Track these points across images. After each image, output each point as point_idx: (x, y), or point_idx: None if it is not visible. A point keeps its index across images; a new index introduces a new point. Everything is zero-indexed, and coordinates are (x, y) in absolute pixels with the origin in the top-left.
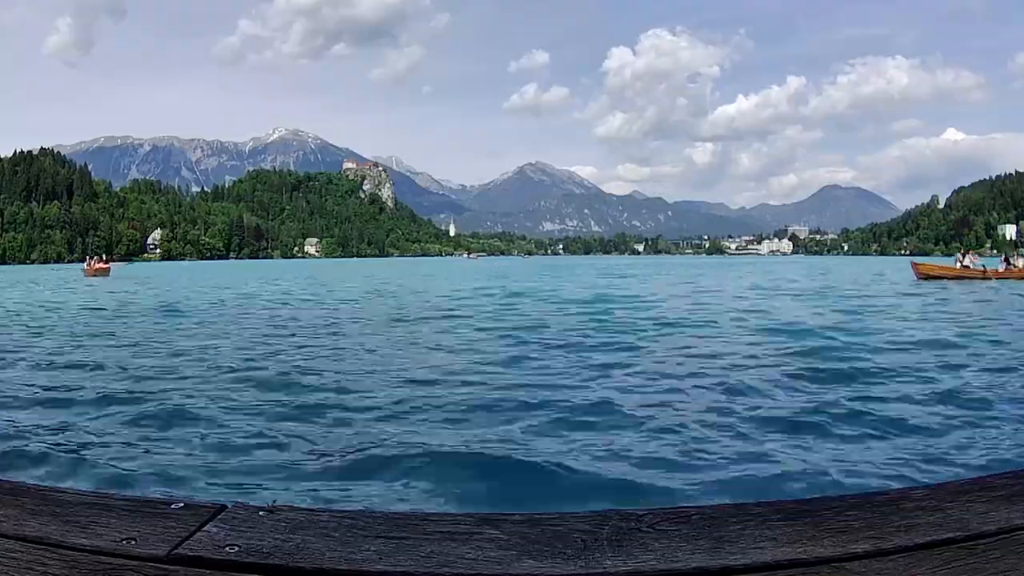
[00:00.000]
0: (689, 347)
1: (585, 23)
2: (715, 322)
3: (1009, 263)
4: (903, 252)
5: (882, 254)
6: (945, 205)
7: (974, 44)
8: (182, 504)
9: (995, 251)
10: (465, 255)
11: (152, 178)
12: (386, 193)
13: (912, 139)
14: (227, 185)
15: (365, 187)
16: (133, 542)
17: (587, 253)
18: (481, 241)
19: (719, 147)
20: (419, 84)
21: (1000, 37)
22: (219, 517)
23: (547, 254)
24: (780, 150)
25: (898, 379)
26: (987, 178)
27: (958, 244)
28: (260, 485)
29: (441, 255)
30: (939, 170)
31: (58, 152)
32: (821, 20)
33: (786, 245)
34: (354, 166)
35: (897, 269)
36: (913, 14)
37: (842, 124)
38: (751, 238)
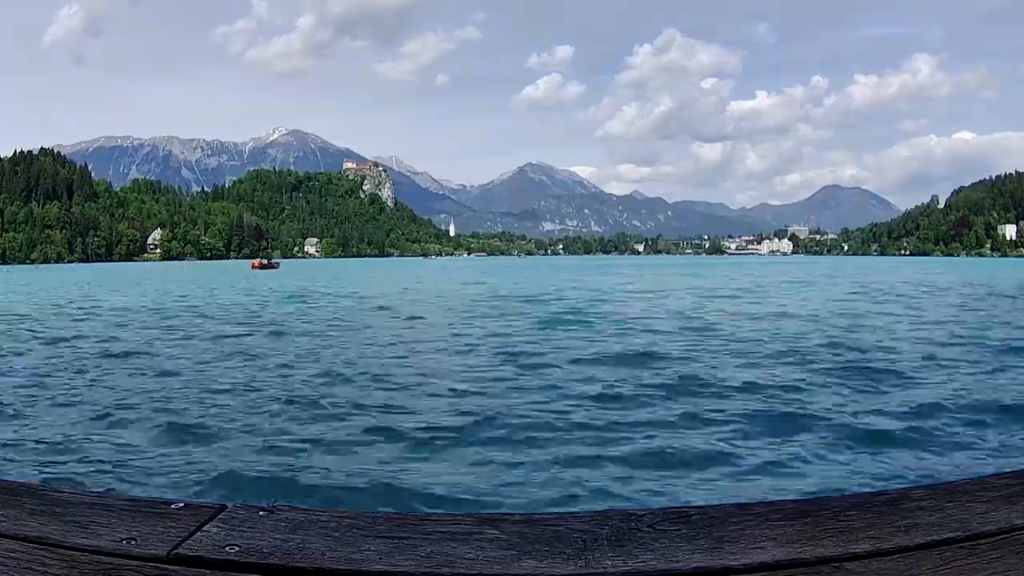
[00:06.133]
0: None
1: (601, 22)
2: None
3: None
4: (903, 252)
5: (882, 254)
6: (945, 205)
7: (986, 44)
8: (182, 504)
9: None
10: (430, 256)
11: (152, 178)
12: (386, 193)
13: (918, 139)
14: (227, 185)
15: (365, 187)
16: (133, 542)
17: (587, 253)
18: (481, 241)
19: (722, 146)
20: (421, 84)
21: (1011, 37)
22: (219, 517)
23: (547, 254)
24: (785, 149)
25: None
26: (987, 178)
27: (958, 244)
28: (260, 485)
29: (440, 255)
30: (944, 170)
31: (58, 152)
32: (840, 18)
33: (786, 245)
34: (354, 166)
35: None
36: (932, 15)
37: (848, 123)
38: (751, 238)
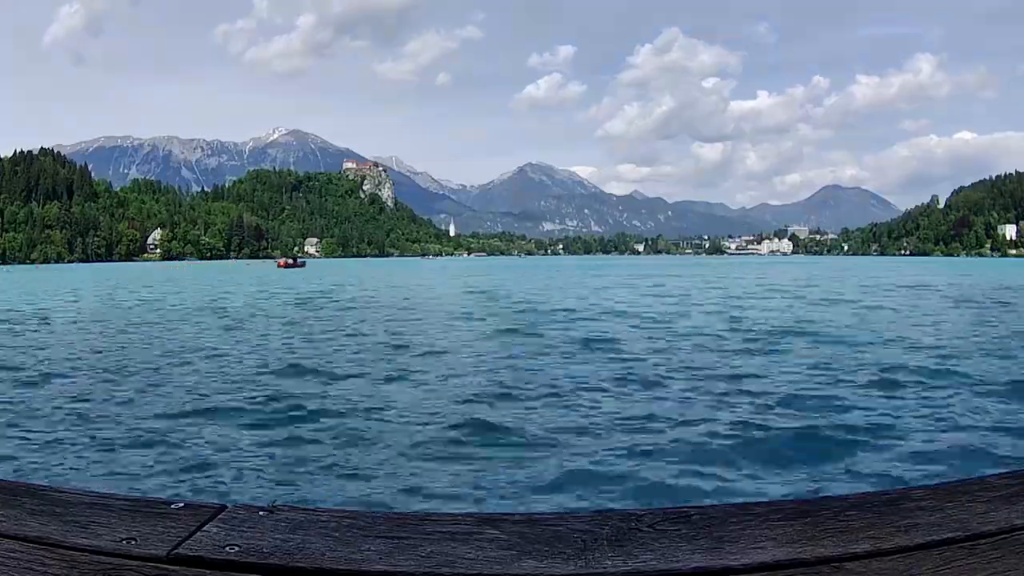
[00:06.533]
0: (673, 348)
1: (603, 22)
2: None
3: None
4: (903, 252)
5: (882, 254)
6: (945, 205)
7: (986, 44)
8: (182, 504)
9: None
10: (427, 256)
11: (152, 178)
12: (386, 193)
13: (918, 139)
14: (227, 185)
15: (365, 187)
16: (133, 542)
17: (587, 253)
18: (481, 241)
19: (722, 146)
20: (421, 84)
21: (1011, 37)
22: (219, 517)
23: (547, 254)
24: (785, 149)
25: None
26: (987, 178)
27: (958, 244)
28: (260, 485)
29: (441, 255)
30: (944, 170)
31: (58, 152)
32: (840, 18)
33: (786, 245)
34: (354, 166)
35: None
36: (931, 15)
37: (848, 123)
38: (751, 238)
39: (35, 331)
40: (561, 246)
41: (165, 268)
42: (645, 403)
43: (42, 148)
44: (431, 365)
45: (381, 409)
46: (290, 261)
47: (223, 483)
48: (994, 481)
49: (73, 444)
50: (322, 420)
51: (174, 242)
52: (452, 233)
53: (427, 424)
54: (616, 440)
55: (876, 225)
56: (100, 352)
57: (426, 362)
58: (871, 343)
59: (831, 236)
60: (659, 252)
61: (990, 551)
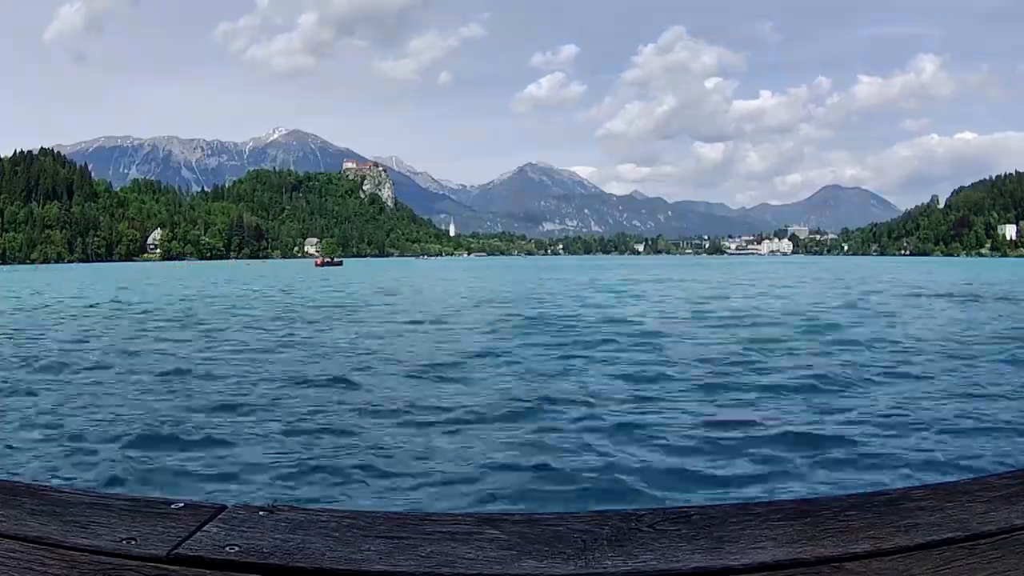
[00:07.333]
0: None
1: (606, 22)
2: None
3: None
4: (903, 252)
5: (882, 254)
6: (945, 205)
7: (987, 44)
8: (182, 504)
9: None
10: (421, 257)
11: (152, 178)
12: (386, 193)
13: (919, 139)
14: (227, 185)
15: (365, 187)
16: (133, 542)
17: (587, 253)
18: (481, 241)
19: (723, 146)
20: (422, 83)
21: (1012, 37)
22: (219, 517)
23: (547, 254)
24: (786, 149)
25: None
26: (987, 178)
27: (958, 244)
28: (260, 485)
29: (441, 255)
30: (944, 170)
31: (58, 152)
32: (840, 18)
33: (786, 245)
34: (354, 166)
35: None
36: (932, 15)
37: (849, 123)
38: (751, 238)
39: (39, 327)
40: (561, 246)
41: (166, 268)
42: (645, 403)
43: (42, 148)
44: (432, 364)
45: (382, 408)
46: (327, 260)
47: (223, 483)
48: (994, 481)
49: (73, 444)
50: (323, 419)
51: (174, 242)
52: (452, 233)
53: (427, 424)
54: (616, 440)
55: (876, 225)
56: (105, 351)
57: (427, 362)
58: (881, 344)
59: (831, 236)
60: (659, 252)
61: (990, 551)
